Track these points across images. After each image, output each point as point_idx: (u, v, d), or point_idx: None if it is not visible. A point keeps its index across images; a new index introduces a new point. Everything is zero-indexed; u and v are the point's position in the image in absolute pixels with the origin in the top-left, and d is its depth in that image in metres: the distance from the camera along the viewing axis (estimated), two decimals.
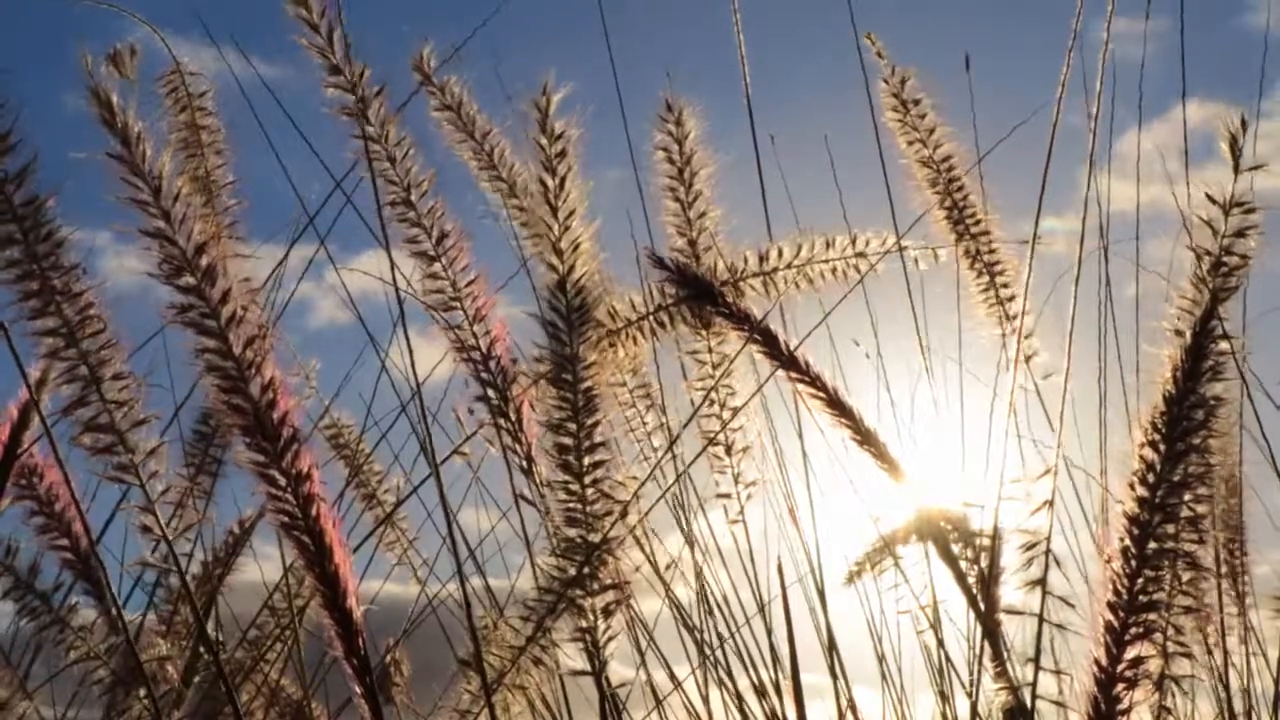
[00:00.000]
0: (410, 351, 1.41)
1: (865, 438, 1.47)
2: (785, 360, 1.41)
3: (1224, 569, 2.00)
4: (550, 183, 1.38)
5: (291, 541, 0.98)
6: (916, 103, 1.99)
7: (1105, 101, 1.64)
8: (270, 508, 0.98)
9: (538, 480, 1.48)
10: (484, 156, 1.75)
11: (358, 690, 1.01)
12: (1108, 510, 1.80)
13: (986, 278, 1.99)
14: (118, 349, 1.11)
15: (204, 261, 0.96)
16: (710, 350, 1.65)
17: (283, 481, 0.97)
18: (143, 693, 1.39)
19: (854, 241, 1.65)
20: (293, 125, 1.82)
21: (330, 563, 0.98)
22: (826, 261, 1.64)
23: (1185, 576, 1.00)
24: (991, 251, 1.99)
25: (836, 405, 1.46)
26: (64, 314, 1.08)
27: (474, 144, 1.74)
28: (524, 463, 1.50)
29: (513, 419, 1.51)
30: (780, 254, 1.63)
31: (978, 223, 1.99)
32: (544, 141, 1.38)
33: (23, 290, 1.07)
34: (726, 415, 1.64)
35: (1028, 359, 1.92)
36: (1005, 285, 1.98)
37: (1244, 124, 1.10)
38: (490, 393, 1.51)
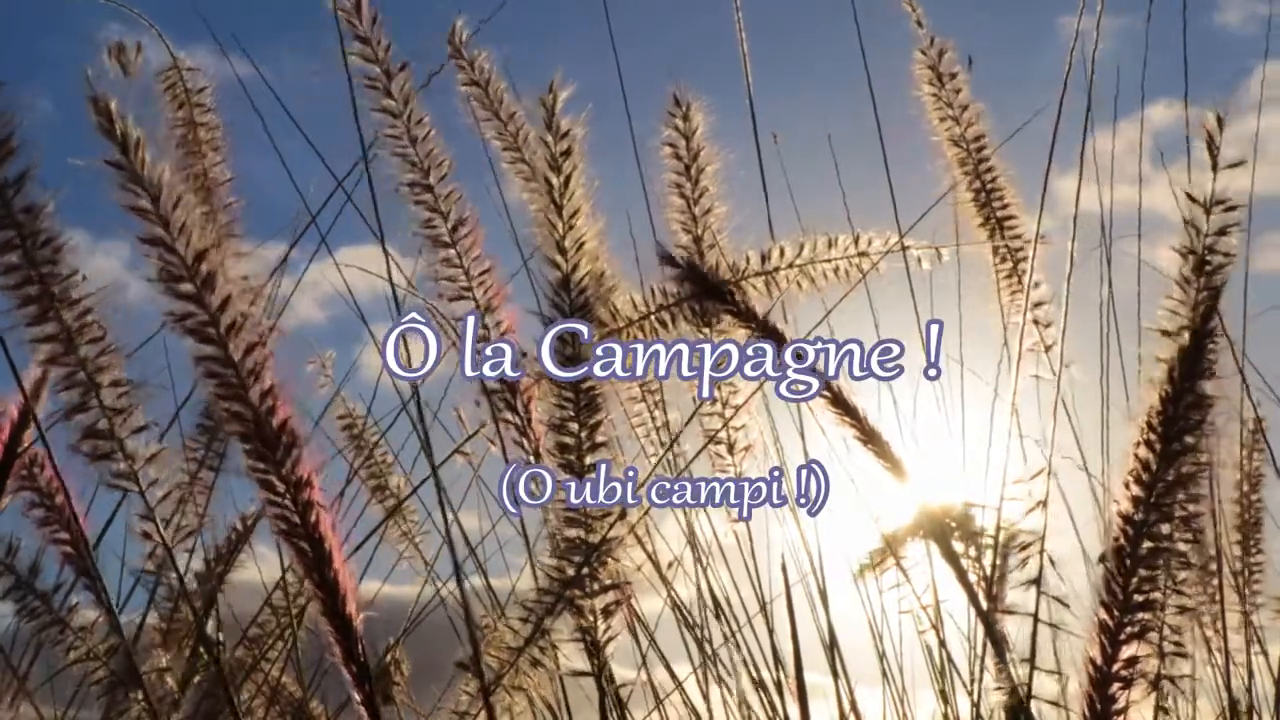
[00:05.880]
0: (411, 349, 1.40)
1: (869, 437, 1.47)
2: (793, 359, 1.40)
3: (1237, 566, 1.99)
4: (555, 181, 1.37)
5: (291, 548, 0.98)
6: (953, 76, 1.97)
7: (1083, 100, 1.64)
8: (270, 513, 0.98)
9: None
10: (508, 137, 1.73)
11: (357, 697, 1.01)
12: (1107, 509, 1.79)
13: (1010, 264, 1.96)
14: (116, 355, 1.10)
15: (204, 269, 0.95)
16: None
17: (281, 488, 0.97)
18: (140, 695, 1.39)
19: (856, 241, 1.64)
20: (294, 123, 1.82)
21: (329, 569, 0.98)
22: (829, 261, 1.63)
23: (1180, 576, 1.00)
24: (1016, 237, 1.96)
25: (840, 404, 1.46)
26: (63, 320, 1.08)
27: (499, 124, 1.72)
28: (530, 458, 1.49)
29: (521, 414, 1.50)
30: (782, 253, 1.62)
31: (1005, 206, 1.97)
32: (549, 139, 1.37)
33: (21, 296, 1.07)
34: (728, 413, 1.64)
35: (1047, 348, 1.90)
36: (1029, 271, 1.96)
37: (1220, 122, 1.09)
38: (499, 385, 1.50)
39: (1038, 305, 1.93)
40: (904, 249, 1.66)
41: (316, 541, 0.98)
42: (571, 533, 1.35)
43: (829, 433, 1.66)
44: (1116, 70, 1.82)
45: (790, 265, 1.62)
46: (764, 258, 1.62)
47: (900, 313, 1.76)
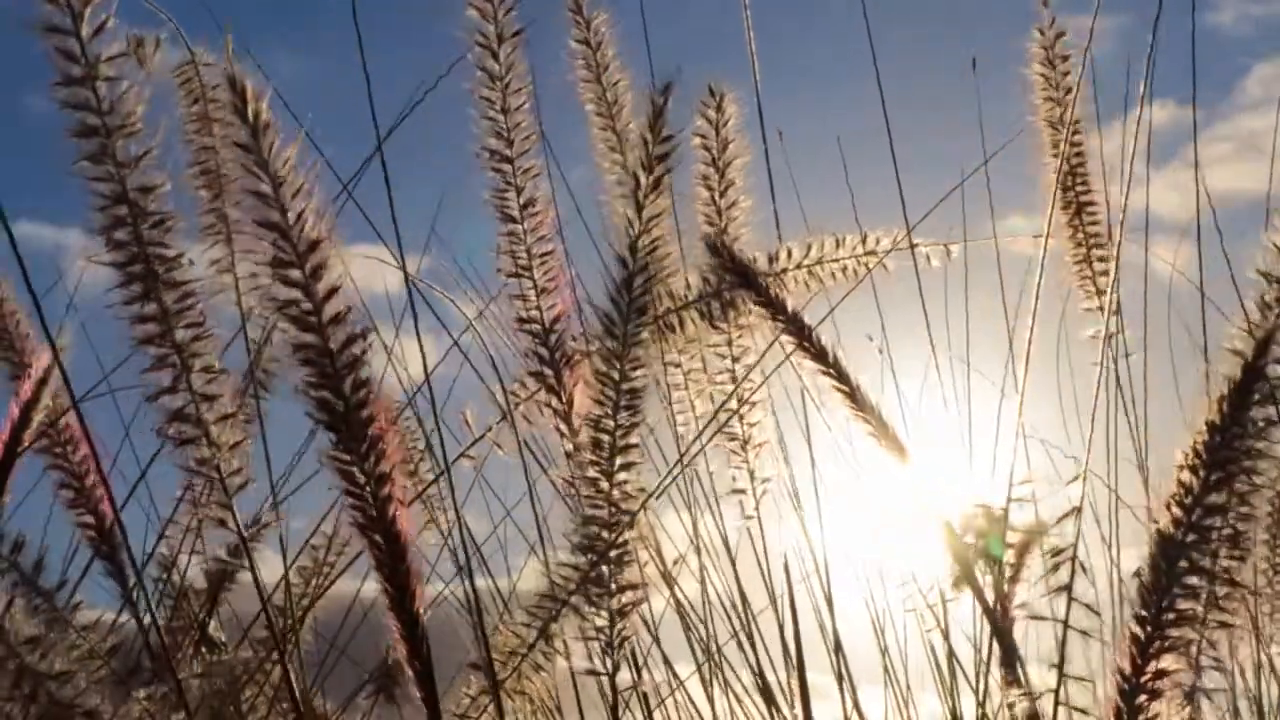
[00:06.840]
0: (419, 349, 1.39)
1: (883, 434, 1.46)
2: (815, 353, 1.40)
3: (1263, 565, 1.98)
4: (644, 180, 1.33)
5: (365, 541, 0.97)
6: (1064, 59, 1.97)
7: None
8: (347, 504, 0.97)
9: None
10: (603, 103, 1.73)
11: (419, 695, 1.01)
12: (1118, 514, 1.79)
13: (1084, 249, 1.97)
14: (211, 341, 1.11)
15: (314, 259, 0.94)
16: (730, 344, 1.63)
17: (363, 480, 0.96)
18: (143, 694, 1.37)
19: (864, 240, 1.64)
20: (296, 122, 1.79)
21: (401, 565, 0.98)
22: (836, 260, 1.63)
23: (1222, 592, 1.00)
24: (1095, 222, 1.97)
25: (858, 401, 1.45)
26: (163, 302, 1.08)
27: (598, 87, 1.73)
28: (570, 444, 1.48)
29: (564, 400, 1.48)
30: (790, 254, 1.62)
31: (1087, 191, 1.97)
32: (649, 137, 1.33)
33: (126, 274, 1.08)
34: (742, 408, 1.62)
35: (1109, 336, 1.89)
36: (1102, 259, 1.96)
37: None
38: (545, 370, 1.49)
39: (1105, 293, 1.92)
40: (912, 246, 1.66)
41: (392, 538, 0.97)
42: (591, 530, 1.33)
43: (833, 431, 1.66)
44: (1125, 70, 1.81)
45: (798, 266, 1.62)
46: (771, 259, 1.61)
47: (906, 312, 1.76)
